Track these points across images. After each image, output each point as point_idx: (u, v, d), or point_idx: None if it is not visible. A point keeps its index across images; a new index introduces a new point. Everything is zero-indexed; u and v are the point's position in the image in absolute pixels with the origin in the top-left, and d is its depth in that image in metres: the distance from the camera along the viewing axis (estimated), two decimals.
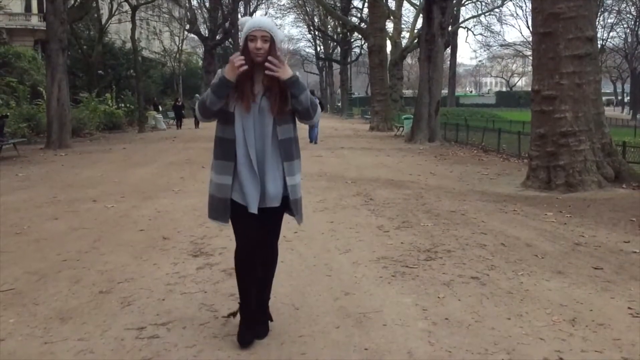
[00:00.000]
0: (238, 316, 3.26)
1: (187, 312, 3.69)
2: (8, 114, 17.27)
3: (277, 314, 3.53)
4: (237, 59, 2.94)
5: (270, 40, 2.96)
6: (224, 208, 3.06)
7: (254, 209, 3.00)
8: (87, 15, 24.96)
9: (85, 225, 6.37)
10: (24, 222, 6.57)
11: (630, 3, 51.47)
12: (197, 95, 32.97)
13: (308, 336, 3.30)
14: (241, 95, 3.00)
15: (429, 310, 3.72)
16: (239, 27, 3.07)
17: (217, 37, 44.74)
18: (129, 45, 29.62)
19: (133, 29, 26.89)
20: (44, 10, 21.54)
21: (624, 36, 58.32)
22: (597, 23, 31.07)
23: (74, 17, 20.93)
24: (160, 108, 32.43)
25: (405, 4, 40.59)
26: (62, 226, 6.36)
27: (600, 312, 3.67)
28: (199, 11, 47.55)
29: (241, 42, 3.04)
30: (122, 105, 26.76)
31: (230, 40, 50.65)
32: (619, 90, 77.87)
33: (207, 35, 44.34)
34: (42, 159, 14.06)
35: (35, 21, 36.49)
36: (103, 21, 30.22)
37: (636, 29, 54.44)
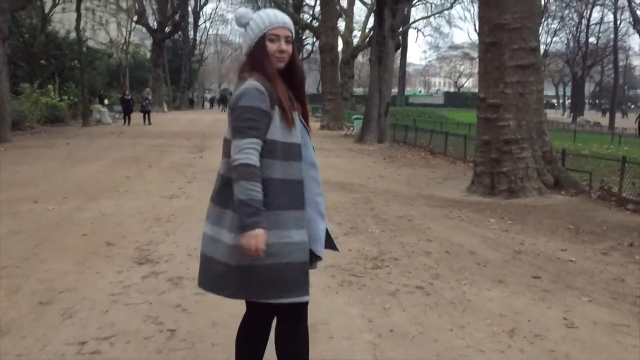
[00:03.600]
0: None
1: (131, 325, 3.63)
2: None
3: (218, 324, 3.52)
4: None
5: (292, 42, 2.41)
6: (305, 274, 2.36)
7: (322, 252, 2.44)
8: (30, 5, 23.94)
9: (25, 229, 6.16)
10: None
11: (573, 10, 53.69)
12: (147, 89, 32.18)
13: None
14: (285, 110, 2.32)
15: (375, 321, 3.79)
16: (238, 21, 2.42)
17: (167, 30, 43.92)
18: (73, 35, 28.62)
19: (78, 19, 26.03)
20: None
21: (566, 42, 60.84)
22: (541, 28, 32.08)
23: (16, 7, 20.03)
24: (106, 101, 31.51)
25: (357, 3, 41.06)
26: (0, 229, 6.13)
27: (537, 323, 3.82)
28: (147, 2, 46.47)
29: (253, 40, 2.37)
30: (66, 97, 25.83)
31: (180, 33, 49.77)
32: (560, 93, 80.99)
33: (155, 27, 43.45)
34: None
35: None
36: (46, 10, 29.14)
37: (577, 35, 56.77)
